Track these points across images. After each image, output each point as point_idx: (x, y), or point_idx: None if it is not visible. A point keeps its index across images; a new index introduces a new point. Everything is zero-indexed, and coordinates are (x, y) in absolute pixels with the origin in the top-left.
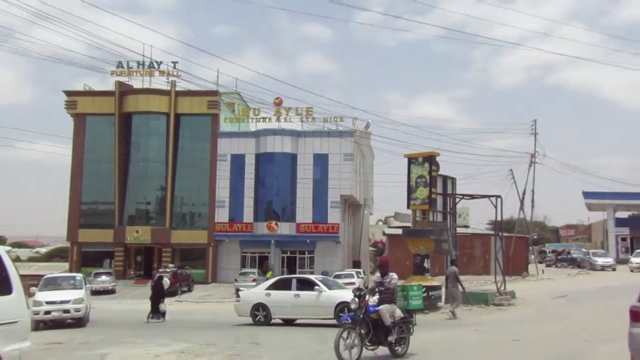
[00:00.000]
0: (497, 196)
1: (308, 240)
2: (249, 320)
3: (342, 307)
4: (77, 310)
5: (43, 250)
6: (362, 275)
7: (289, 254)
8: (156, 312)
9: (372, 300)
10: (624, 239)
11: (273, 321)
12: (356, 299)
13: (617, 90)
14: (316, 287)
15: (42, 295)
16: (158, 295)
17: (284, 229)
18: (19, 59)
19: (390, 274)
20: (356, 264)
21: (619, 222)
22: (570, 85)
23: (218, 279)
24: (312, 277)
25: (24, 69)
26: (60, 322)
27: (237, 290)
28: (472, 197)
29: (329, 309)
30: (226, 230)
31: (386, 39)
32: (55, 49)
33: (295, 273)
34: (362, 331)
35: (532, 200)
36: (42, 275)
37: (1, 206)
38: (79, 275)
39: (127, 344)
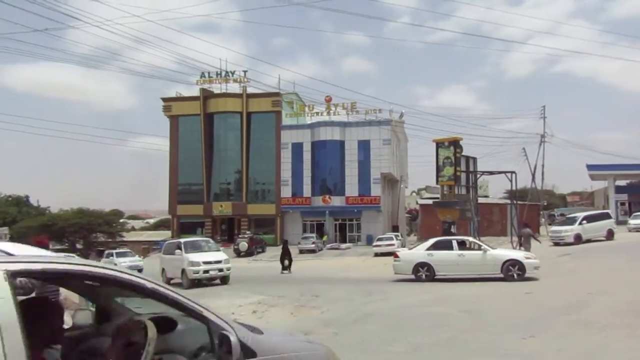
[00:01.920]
0: (512, 172)
1: (355, 210)
2: (406, 277)
3: (509, 264)
4: (228, 269)
5: (151, 221)
6: (400, 237)
7: (340, 221)
8: (285, 267)
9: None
10: (622, 204)
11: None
12: None
13: (613, 76)
14: (482, 247)
15: (195, 257)
16: (284, 254)
17: (336, 201)
18: (123, 75)
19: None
20: (395, 229)
21: (619, 190)
22: (573, 73)
23: None
24: (470, 238)
25: (129, 82)
26: (211, 280)
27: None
28: (490, 173)
29: (495, 266)
30: (290, 204)
31: (413, 42)
32: (151, 65)
33: (346, 237)
34: None
35: (542, 173)
36: (154, 241)
37: (119, 187)
38: (210, 240)
39: (215, 295)
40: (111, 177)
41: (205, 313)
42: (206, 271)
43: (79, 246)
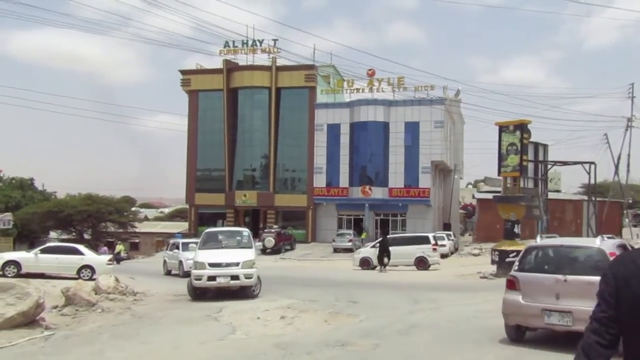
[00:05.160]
0: (591, 163)
1: (400, 204)
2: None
3: None
4: (248, 276)
5: (166, 210)
6: (452, 237)
7: (382, 217)
8: (382, 264)
9: None
10: None
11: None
12: None
13: None
14: None
15: (204, 255)
16: (382, 251)
17: (377, 193)
18: (135, 43)
19: None
20: (446, 227)
21: None
22: None
23: (317, 238)
24: None
25: (141, 51)
26: (227, 290)
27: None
28: (564, 163)
29: None
30: (324, 195)
31: (470, 4)
32: (166, 32)
33: (388, 234)
34: None
35: (628, 165)
36: (169, 233)
37: (130, 172)
38: (246, 230)
39: (241, 298)
40: (122, 159)
41: None
42: (212, 277)
43: (86, 236)
